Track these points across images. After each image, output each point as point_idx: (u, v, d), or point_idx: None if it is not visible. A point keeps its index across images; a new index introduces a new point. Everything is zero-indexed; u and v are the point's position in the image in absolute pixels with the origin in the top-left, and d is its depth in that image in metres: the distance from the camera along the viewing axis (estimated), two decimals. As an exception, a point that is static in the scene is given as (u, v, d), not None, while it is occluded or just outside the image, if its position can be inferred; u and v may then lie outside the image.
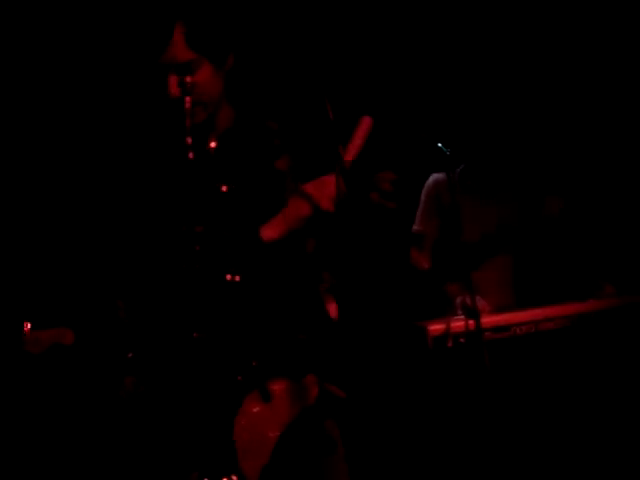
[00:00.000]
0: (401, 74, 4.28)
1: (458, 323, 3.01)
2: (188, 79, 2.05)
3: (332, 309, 2.17)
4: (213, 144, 2.16)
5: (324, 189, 2.10)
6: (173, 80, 2.11)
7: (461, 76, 4.21)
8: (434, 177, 3.73)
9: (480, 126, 3.69)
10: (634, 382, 3.03)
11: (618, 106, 4.15)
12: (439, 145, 3.44)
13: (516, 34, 4.28)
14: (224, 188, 2.13)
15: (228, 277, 2.07)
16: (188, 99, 2.04)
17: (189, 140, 2.01)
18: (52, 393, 3.29)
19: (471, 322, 2.91)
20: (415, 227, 3.72)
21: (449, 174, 3.28)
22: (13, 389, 3.22)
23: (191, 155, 2.00)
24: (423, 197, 3.74)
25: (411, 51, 4.27)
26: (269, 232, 2.13)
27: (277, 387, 2.15)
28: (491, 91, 3.95)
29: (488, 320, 3.00)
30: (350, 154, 2.13)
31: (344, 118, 2.21)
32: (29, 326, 2.67)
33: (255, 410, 2.12)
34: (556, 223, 3.60)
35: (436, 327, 3.01)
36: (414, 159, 3.83)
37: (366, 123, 2.18)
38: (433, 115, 3.92)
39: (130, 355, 2.11)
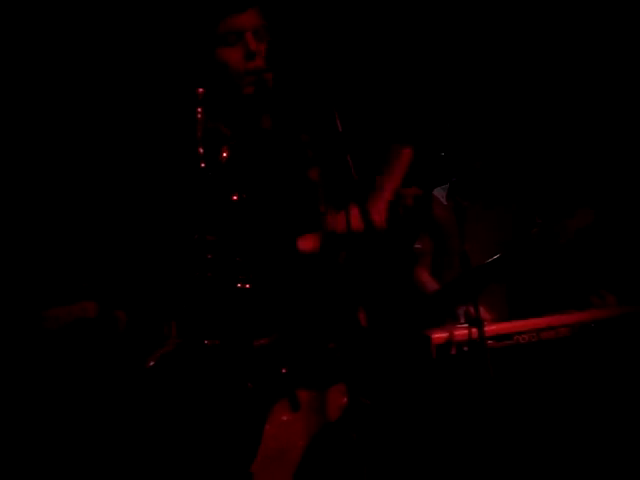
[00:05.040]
0: (403, 86, 4.31)
1: (461, 331, 3.03)
2: (200, 90, 2.09)
3: (362, 317, 2.18)
4: (225, 154, 2.20)
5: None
6: (250, 38, 2.30)
7: (462, 85, 4.24)
8: None
9: (481, 133, 3.73)
10: (635, 391, 3.06)
11: (620, 115, 4.18)
12: (442, 154, 3.48)
13: (516, 46, 4.31)
14: (235, 197, 2.16)
15: (239, 285, 2.10)
16: (200, 110, 2.07)
17: (201, 150, 2.04)
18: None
19: (474, 330, 2.93)
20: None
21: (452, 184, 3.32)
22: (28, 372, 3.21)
23: (203, 164, 2.04)
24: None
25: (412, 64, 4.30)
26: (305, 244, 2.18)
27: (306, 396, 2.15)
28: (492, 99, 3.98)
29: (491, 328, 3.02)
30: (392, 185, 2.20)
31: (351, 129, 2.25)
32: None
33: (284, 419, 2.12)
34: (583, 236, 3.58)
35: (439, 335, 3.03)
36: (418, 170, 3.86)
37: (407, 155, 2.27)
38: (435, 123, 3.94)
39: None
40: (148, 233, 2.18)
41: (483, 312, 3.27)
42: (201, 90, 2.10)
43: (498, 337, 3.03)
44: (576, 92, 4.25)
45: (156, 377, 2.14)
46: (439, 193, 3.84)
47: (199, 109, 2.07)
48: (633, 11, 4.13)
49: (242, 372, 2.11)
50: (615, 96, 4.19)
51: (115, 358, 2.97)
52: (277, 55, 2.30)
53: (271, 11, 2.38)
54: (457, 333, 3.03)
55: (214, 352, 2.04)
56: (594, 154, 4.11)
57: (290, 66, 2.29)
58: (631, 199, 3.93)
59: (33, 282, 3.12)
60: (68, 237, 3.25)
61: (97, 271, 3.05)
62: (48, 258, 3.21)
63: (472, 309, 2.97)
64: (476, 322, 2.90)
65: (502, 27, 4.27)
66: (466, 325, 3.05)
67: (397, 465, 3.21)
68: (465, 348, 3.00)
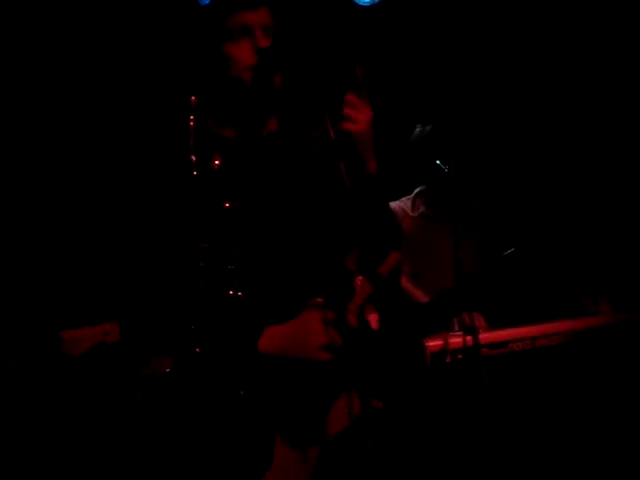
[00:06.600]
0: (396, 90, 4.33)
1: (456, 339, 3.03)
2: (193, 98, 2.09)
3: (373, 320, 2.12)
4: (217, 161, 2.19)
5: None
6: (260, 34, 2.28)
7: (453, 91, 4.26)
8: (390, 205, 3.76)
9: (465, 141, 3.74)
10: (630, 399, 3.06)
11: (614, 122, 4.19)
12: (437, 162, 3.48)
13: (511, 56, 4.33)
14: (227, 204, 2.16)
15: (231, 292, 2.09)
16: (192, 117, 2.07)
17: (193, 158, 2.04)
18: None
19: (469, 338, 2.93)
20: None
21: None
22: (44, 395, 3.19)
23: (195, 172, 2.04)
24: None
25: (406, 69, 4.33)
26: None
27: (315, 402, 2.11)
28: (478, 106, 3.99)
29: (485, 336, 3.02)
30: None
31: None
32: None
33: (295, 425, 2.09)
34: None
35: (434, 343, 3.02)
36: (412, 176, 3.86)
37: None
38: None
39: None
40: (140, 241, 2.18)
41: (477, 320, 3.27)
42: (194, 98, 2.10)
43: (492, 345, 3.03)
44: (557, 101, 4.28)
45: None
46: (404, 204, 3.83)
47: (191, 117, 2.08)
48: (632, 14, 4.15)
49: (236, 379, 2.10)
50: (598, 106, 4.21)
51: (110, 366, 2.97)
52: (284, 55, 2.27)
53: (279, 11, 2.37)
54: (452, 341, 3.02)
55: (206, 360, 2.04)
56: (584, 163, 4.13)
57: (296, 66, 2.26)
58: (627, 205, 3.94)
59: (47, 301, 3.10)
60: (60, 245, 3.25)
61: (90, 278, 3.05)
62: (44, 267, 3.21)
63: (467, 316, 2.97)
64: (470, 330, 2.90)
65: (490, 41, 4.31)
66: (461, 333, 3.05)
67: (392, 472, 3.21)
68: (459, 356, 3.00)
